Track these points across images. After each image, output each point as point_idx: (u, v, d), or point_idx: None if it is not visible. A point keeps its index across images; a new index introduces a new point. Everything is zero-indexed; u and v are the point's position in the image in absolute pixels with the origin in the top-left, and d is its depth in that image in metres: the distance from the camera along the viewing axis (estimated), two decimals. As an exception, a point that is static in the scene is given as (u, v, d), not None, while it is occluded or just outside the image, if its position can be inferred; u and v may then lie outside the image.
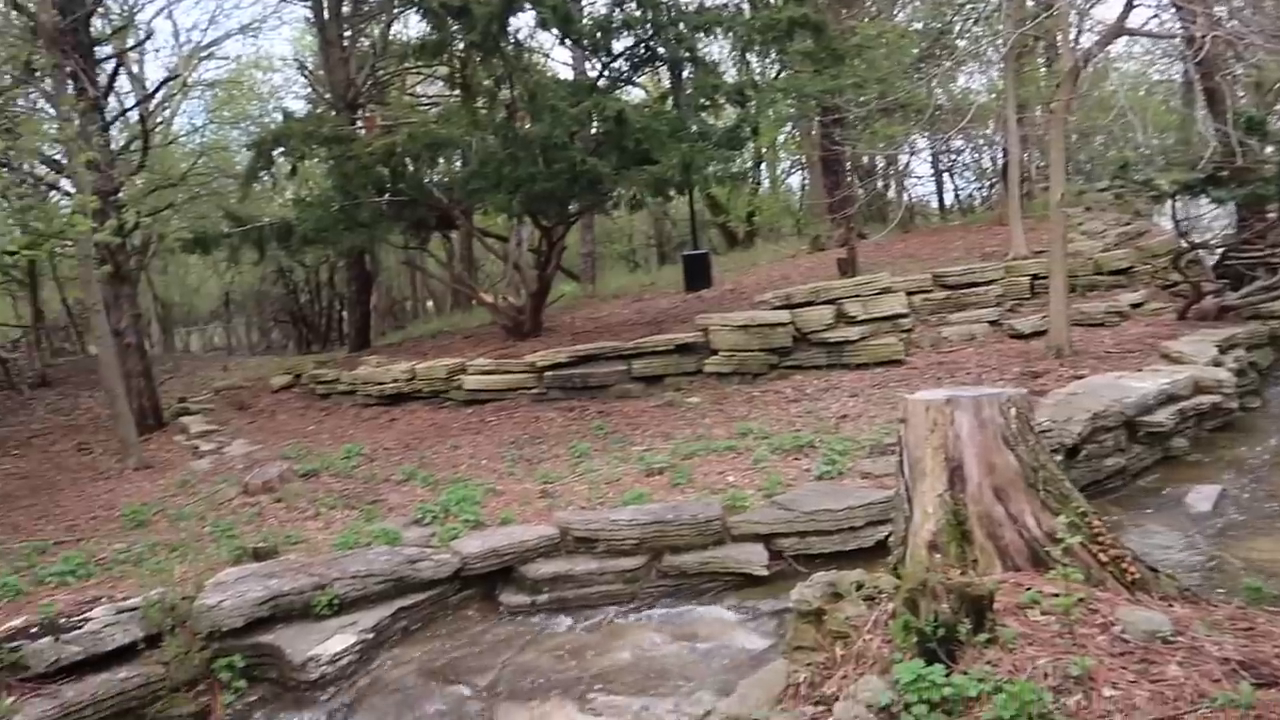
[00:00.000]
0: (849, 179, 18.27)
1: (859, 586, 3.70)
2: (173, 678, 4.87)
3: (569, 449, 8.65)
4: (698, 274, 14.88)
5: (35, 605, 5.55)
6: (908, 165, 21.94)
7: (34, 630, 4.90)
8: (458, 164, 12.36)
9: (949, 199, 23.85)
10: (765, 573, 5.68)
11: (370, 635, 5.16)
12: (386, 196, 12.12)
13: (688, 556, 5.80)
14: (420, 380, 11.48)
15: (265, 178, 12.93)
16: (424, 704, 4.69)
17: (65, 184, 12.86)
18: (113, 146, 13.60)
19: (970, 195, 23.53)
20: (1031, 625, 3.25)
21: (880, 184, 21.89)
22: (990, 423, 3.85)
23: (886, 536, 5.05)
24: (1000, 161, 18.34)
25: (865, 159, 19.15)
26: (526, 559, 5.88)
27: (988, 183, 22.09)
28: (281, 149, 11.98)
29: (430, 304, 29.52)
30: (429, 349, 13.90)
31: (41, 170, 13.25)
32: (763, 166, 24.96)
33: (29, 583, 6.13)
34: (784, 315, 10.33)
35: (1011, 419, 3.89)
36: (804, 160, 22.79)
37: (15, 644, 4.76)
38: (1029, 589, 3.45)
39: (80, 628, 4.89)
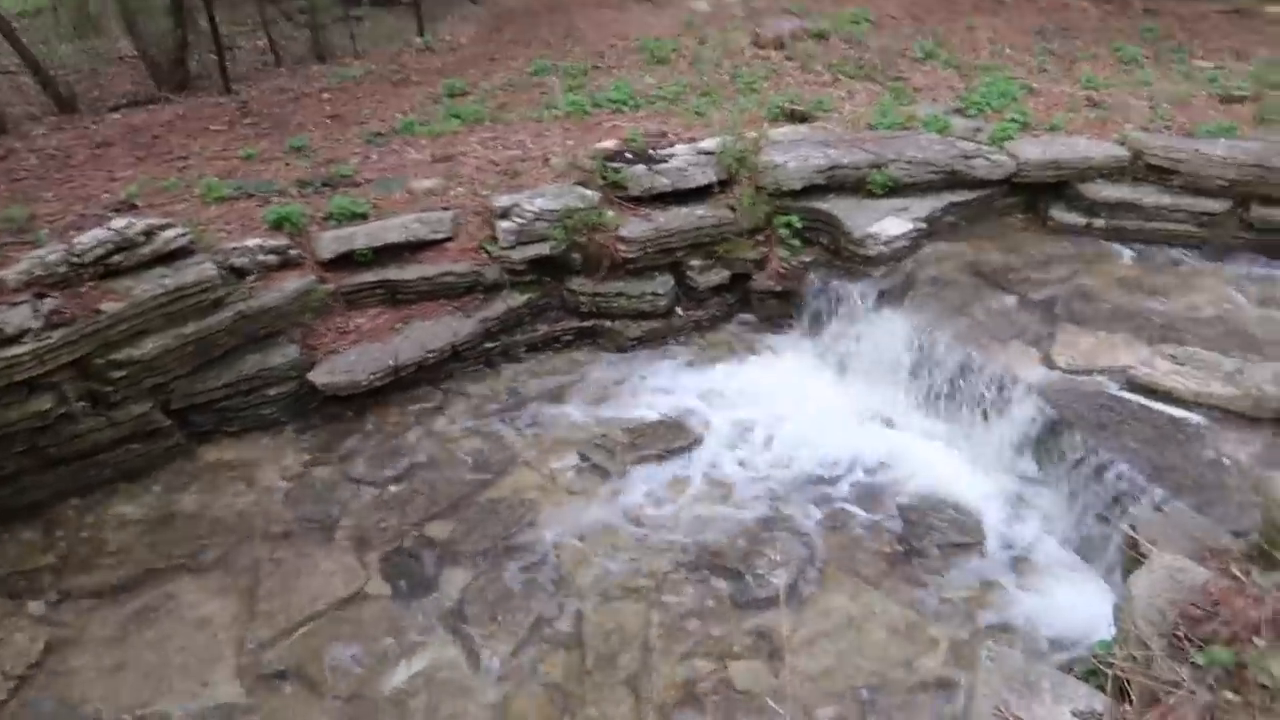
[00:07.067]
0: None
1: None
2: (739, 223, 5.27)
3: (1111, 51, 7.54)
4: None
5: (604, 128, 6.14)
6: None
7: (628, 156, 5.41)
8: None
9: None
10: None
11: (923, 225, 5.15)
12: None
13: (1284, 212, 5.05)
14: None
15: None
16: (973, 306, 4.70)
17: None
18: None
19: None
20: None
21: None
22: None
23: None
24: None
25: None
26: (1086, 177, 5.41)
27: None
28: None
29: None
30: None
31: None
32: None
33: (590, 104, 6.73)
34: None
35: None
36: None
37: (616, 165, 5.31)
38: None
39: (666, 162, 5.33)
